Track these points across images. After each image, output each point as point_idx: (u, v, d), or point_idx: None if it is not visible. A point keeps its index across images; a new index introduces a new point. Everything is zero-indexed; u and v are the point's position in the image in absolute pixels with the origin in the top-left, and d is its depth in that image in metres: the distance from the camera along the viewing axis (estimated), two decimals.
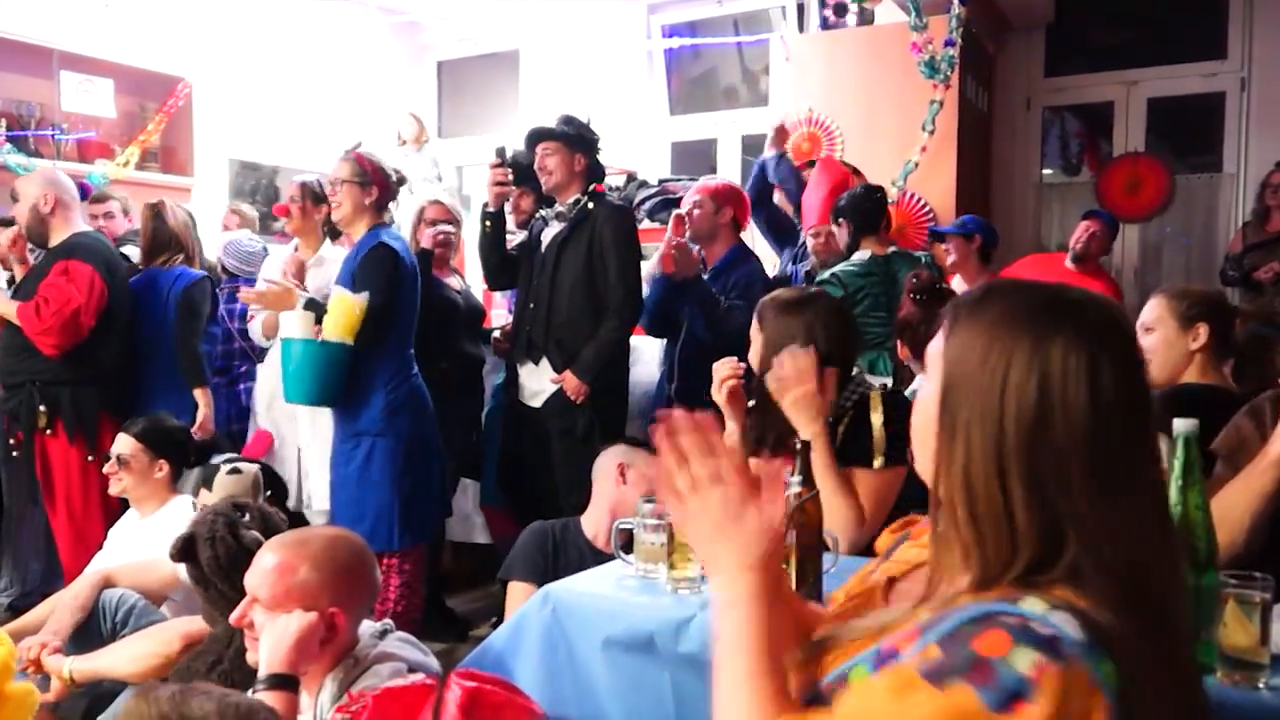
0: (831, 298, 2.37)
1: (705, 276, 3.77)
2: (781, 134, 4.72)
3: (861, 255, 3.87)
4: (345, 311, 3.11)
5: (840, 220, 3.98)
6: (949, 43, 4.74)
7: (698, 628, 1.61)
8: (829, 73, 5.32)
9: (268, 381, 3.75)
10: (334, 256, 3.66)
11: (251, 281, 4.00)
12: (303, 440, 3.59)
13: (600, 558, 2.40)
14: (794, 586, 1.59)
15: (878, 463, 2.06)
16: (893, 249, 3.95)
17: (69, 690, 2.41)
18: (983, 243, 4.37)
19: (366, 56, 7.17)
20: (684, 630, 1.61)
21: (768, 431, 2.12)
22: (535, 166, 3.46)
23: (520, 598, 2.63)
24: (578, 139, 3.41)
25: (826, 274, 3.85)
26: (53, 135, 5.72)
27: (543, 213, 3.58)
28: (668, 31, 6.79)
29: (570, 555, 2.64)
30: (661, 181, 5.04)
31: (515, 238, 4.27)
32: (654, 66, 6.85)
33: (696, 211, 3.89)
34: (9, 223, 4.06)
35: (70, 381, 3.63)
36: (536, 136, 3.44)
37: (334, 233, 3.73)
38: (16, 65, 5.57)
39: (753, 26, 6.50)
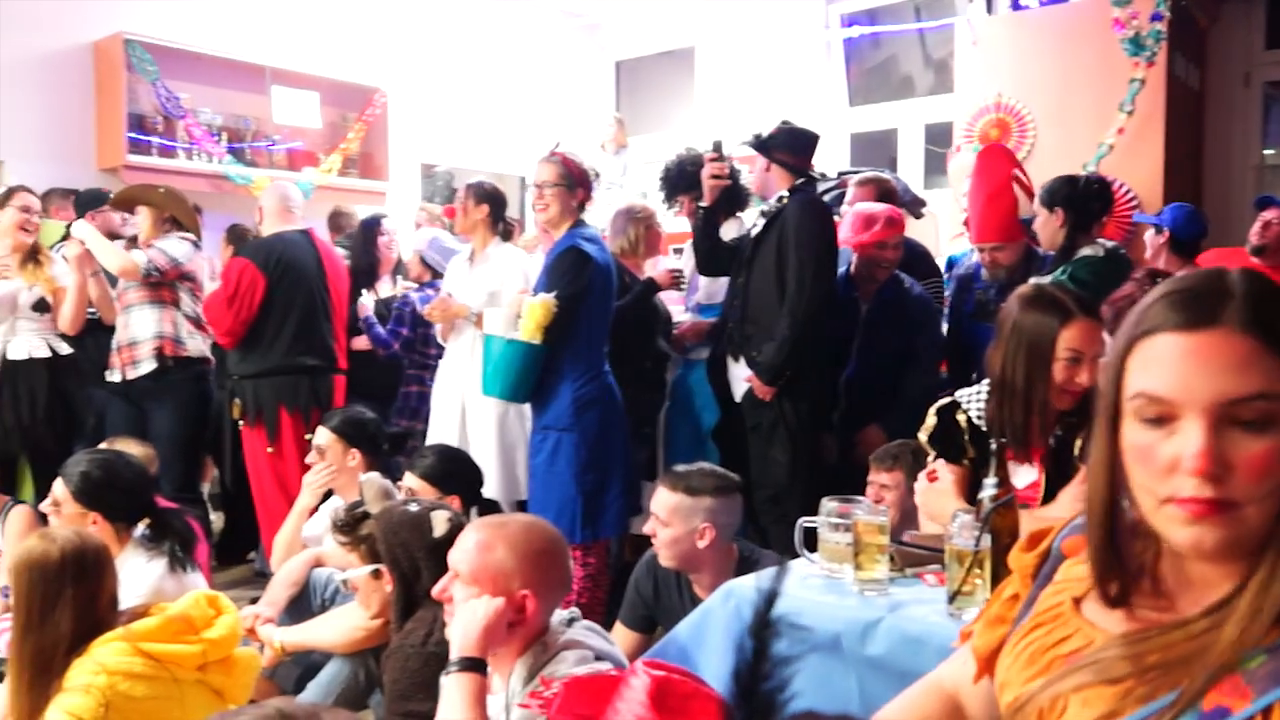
0: None
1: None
2: None
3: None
4: (532, 313, 3.20)
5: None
6: (1156, 17, 4.46)
7: (885, 631, 1.57)
8: (1019, 55, 5.09)
9: (444, 378, 3.87)
10: (499, 255, 3.72)
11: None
12: (471, 433, 3.67)
13: (694, 600, 2.35)
14: (989, 591, 1.53)
15: None
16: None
17: (280, 658, 2.66)
18: (1170, 236, 3.80)
19: (548, 60, 7.42)
20: (871, 633, 1.58)
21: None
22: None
23: (621, 640, 2.54)
24: (770, 146, 3.40)
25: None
26: (267, 146, 6.20)
27: (761, 208, 3.62)
28: (846, 21, 6.67)
29: (670, 597, 2.58)
30: (841, 174, 4.92)
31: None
32: (832, 57, 6.73)
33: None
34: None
35: (251, 375, 3.91)
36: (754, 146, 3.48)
37: (506, 233, 3.78)
38: (235, 83, 6.06)
39: (935, 11, 6.28)
